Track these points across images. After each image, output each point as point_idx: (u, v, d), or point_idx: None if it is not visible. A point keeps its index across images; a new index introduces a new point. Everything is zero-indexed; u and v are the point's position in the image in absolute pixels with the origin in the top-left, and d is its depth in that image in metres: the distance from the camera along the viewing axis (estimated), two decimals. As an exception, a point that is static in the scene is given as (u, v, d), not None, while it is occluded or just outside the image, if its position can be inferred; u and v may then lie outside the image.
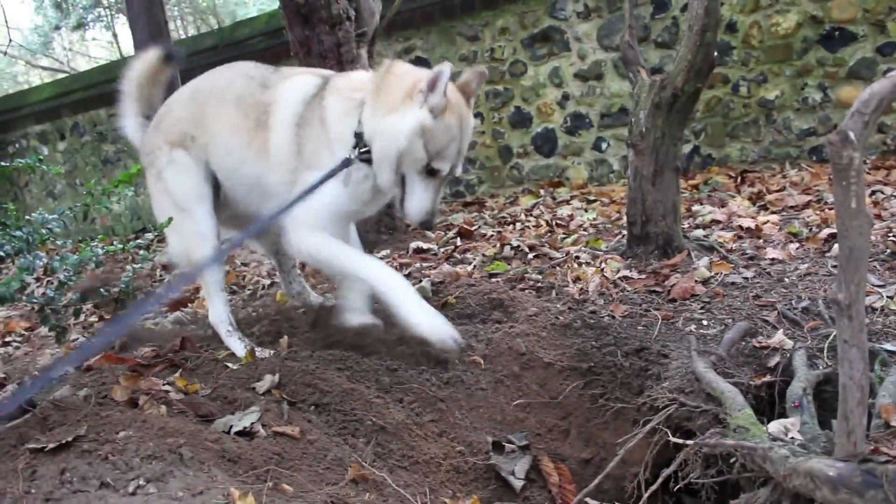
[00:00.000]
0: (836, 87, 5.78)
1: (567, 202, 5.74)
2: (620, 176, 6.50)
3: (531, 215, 5.43)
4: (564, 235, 4.61)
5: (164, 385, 2.68)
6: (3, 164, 2.31)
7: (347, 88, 2.84)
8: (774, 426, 2.14)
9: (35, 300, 2.34)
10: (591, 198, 5.73)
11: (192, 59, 6.95)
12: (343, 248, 2.84)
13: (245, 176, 3.01)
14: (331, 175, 2.67)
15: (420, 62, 7.08)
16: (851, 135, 1.53)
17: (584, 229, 4.69)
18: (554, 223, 4.97)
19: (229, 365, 2.84)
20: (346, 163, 2.71)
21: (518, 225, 5.17)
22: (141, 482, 1.96)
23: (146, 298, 1.96)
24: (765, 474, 2.00)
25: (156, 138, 3.12)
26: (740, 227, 4.13)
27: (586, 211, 5.18)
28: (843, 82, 5.75)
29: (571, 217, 5.05)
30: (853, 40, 5.68)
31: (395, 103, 2.66)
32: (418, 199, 2.69)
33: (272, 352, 2.94)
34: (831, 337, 2.78)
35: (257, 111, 2.92)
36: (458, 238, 4.99)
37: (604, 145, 6.61)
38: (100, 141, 9.17)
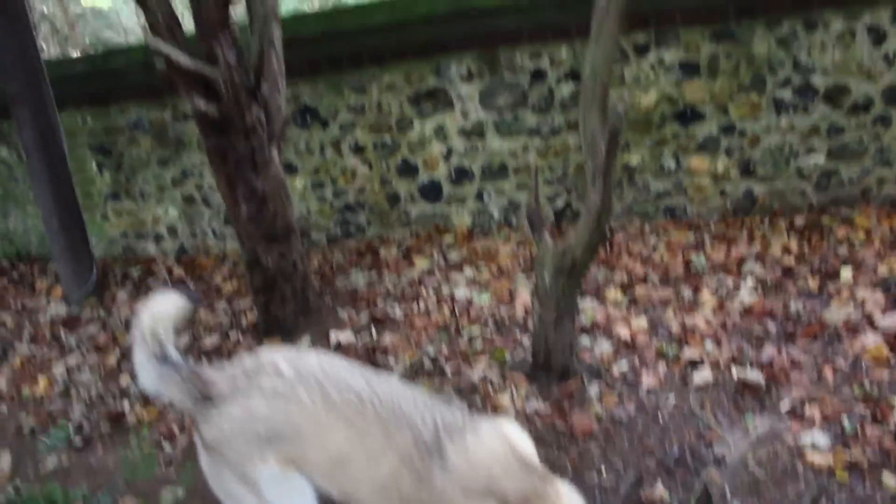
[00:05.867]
0: (687, 156, 6.68)
1: (459, 269, 6.34)
2: (500, 227, 7.20)
3: (430, 288, 6.02)
4: (467, 326, 5.25)
5: None
6: None
7: None
8: None
9: None
10: (481, 263, 6.36)
11: (59, 87, 6.88)
12: None
13: None
14: None
15: (308, 111, 7.36)
16: None
17: (484, 323, 5.33)
18: (454, 306, 5.58)
19: None
20: None
21: (422, 303, 5.76)
22: None
23: None
24: None
25: (246, 446, 2.58)
26: (619, 338, 4.85)
27: (480, 294, 5.81)
28: (692, 153, 6.66)
29: (470, 302, 5.68)
30: (701, 119, 6.55)
31: None
32: None
33: None
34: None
35: None
36: (373, 324, 5.53)
37: (485, 196, 7.24)
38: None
